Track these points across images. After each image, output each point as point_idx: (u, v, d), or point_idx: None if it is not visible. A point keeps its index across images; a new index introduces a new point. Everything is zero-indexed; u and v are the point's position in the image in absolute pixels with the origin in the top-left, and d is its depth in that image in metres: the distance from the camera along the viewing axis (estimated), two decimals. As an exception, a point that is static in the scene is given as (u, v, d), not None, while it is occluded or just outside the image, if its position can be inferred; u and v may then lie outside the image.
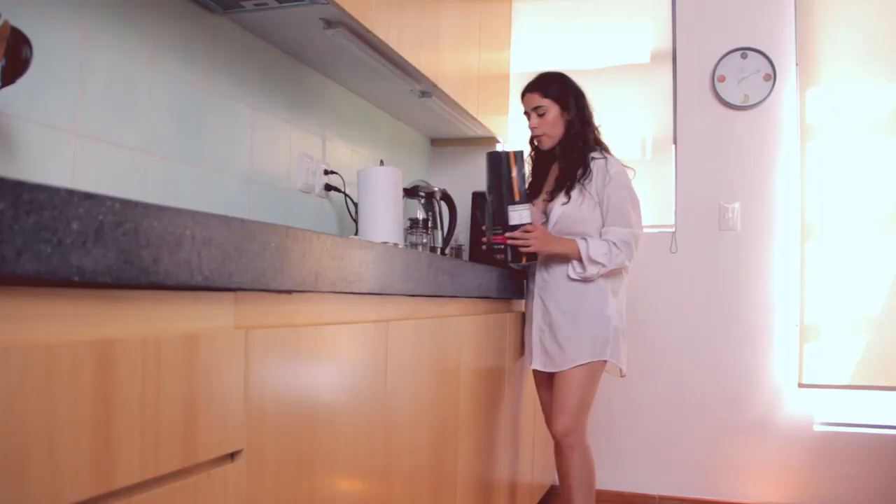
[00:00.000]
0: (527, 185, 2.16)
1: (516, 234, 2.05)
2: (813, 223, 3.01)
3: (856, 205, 2.95)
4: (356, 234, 2.30)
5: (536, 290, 2.20)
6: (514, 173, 2.07)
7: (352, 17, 1.80)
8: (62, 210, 0.66)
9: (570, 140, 2.16)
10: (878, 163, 2.93)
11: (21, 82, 1.16)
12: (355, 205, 2.37)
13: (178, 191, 1.72)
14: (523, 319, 2.41)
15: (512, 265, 2.14)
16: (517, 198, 2.07)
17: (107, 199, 0.70)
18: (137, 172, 1.60)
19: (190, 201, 1.75)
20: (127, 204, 0.72)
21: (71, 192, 0.66)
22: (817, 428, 2.93)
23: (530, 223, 2.07)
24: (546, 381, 2.27)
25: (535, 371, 2.26)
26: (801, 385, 2.98)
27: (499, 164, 2.07)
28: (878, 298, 2.94)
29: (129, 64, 1.56)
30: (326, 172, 2.34)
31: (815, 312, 2.98)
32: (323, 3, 1.71)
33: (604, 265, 2.06)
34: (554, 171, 2.25)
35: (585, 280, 2.10)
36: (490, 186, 2.09)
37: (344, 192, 2.37)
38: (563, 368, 2.12)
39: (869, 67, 2.96)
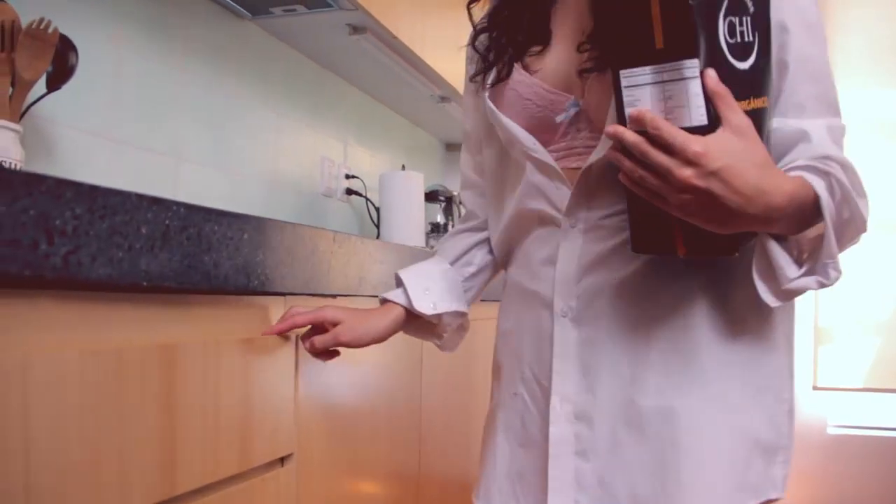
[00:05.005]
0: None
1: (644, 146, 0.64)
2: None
3: (869, 208, 2.95)
4: (377, 238, 2.31)
5: (565, 319, 0.83)
6: None
7: (378, 23, 1.81)
8: (133, 215, 0.66)
9: None
10: (888, 166, 2.94)
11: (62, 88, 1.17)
12: (377, 209, 2.37)
13: (207, 195, 1.73)
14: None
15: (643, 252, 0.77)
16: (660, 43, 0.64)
17: (173, 204, 0.71)
18: (169, 176, 1.61)
19: (217, 205, 1.75)
20: (191, 208, 0.73)
21: (141, 197, 0.67)
22: (831, 430, 2.93)
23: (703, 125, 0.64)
24: None
25: None
26: (815, 388, 2.98)
27: None
28: (891, 302, 2.95)
29: (161, 69, 1.57)
30: (347, 177, 2.35)
31: (829, 316, 2.99)
32: (351, 10, 1.73)
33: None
34: (571, 16, 0.84)
35: (790, 295, 0.74)
36: None
37: (365, 197, 2.38)
38: None
39: (873, 71, 2.97)
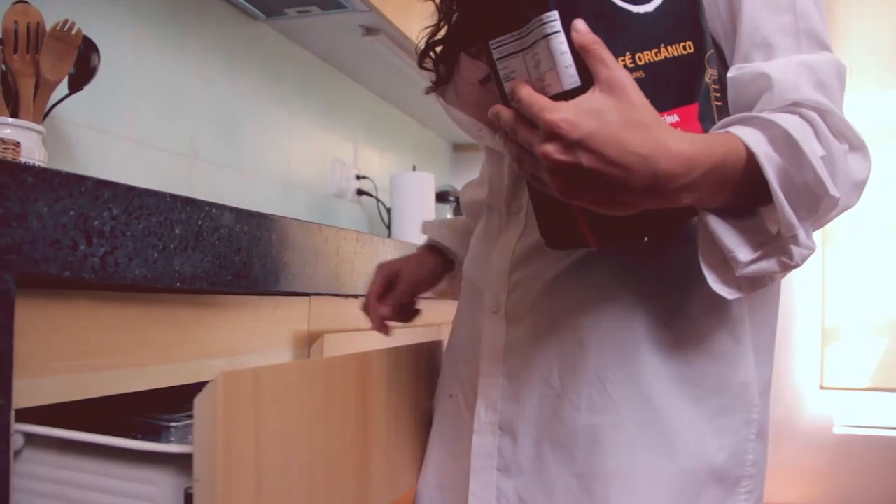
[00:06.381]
0: None
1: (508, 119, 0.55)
2: (833, 227, 3.02)
3: (876, 208, 2.95)
4: (388, 238, 2.32)
5: (496, 315, 0.74)
6: None
7: (392, 24, 1.82)
8: (167, 215, 0.67)
9: None
10: (891, 169, 2.94)
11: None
12: (388, 209, 2.38)
13: (222, 195, 1.73)
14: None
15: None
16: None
17: (205, 204, 0.71)
18: (184, 177, 1.62)
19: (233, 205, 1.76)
20: (221, 209, 0.74)
21: (175, 197, 0.68)
22: (837, 430, 2.93)
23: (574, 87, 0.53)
24: None
25: None
26: (821, 387, 2.99)
27: None
28: (898, 301, 2.95)
29: (177, 70, 1.58)
30: (358, 177, 2.36)
31: (836, 315, 2.99)
32: (365, 11, 1.73)
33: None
34: None
35: (754, 284, 0.58)
36: None
37: (376, 198, 2.39)
38: None
39: (879, 77, 2.97)
